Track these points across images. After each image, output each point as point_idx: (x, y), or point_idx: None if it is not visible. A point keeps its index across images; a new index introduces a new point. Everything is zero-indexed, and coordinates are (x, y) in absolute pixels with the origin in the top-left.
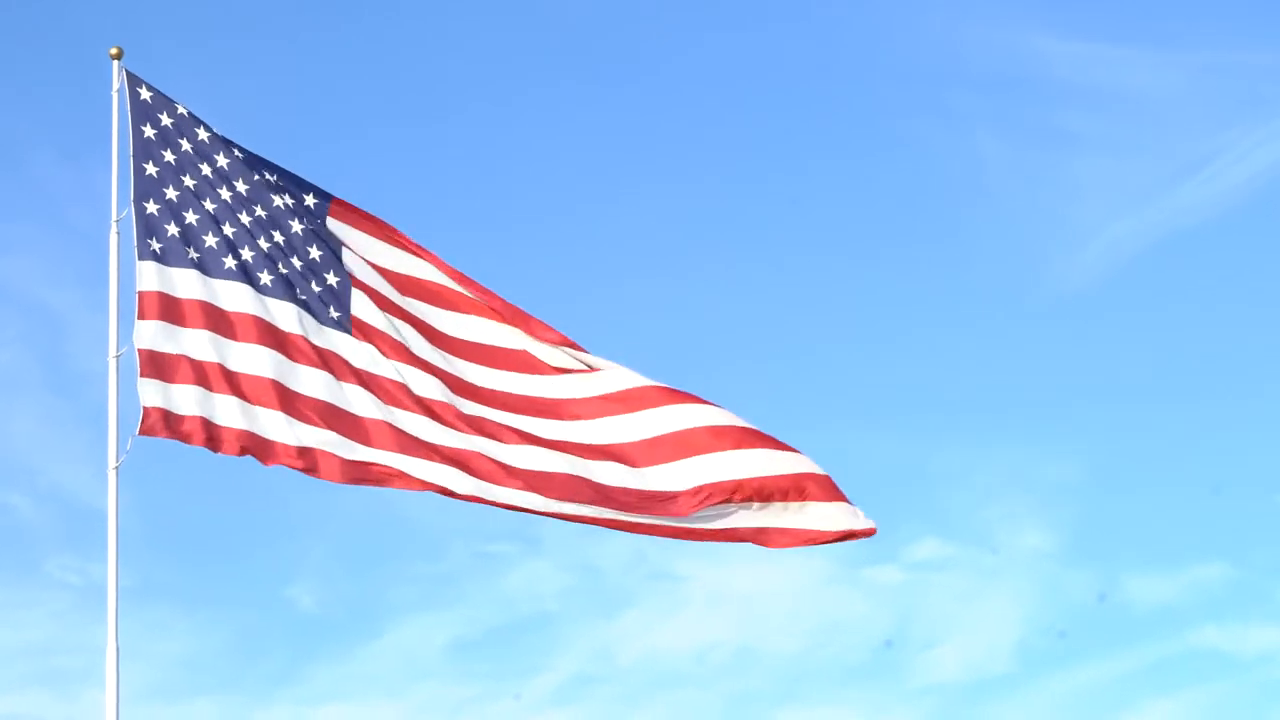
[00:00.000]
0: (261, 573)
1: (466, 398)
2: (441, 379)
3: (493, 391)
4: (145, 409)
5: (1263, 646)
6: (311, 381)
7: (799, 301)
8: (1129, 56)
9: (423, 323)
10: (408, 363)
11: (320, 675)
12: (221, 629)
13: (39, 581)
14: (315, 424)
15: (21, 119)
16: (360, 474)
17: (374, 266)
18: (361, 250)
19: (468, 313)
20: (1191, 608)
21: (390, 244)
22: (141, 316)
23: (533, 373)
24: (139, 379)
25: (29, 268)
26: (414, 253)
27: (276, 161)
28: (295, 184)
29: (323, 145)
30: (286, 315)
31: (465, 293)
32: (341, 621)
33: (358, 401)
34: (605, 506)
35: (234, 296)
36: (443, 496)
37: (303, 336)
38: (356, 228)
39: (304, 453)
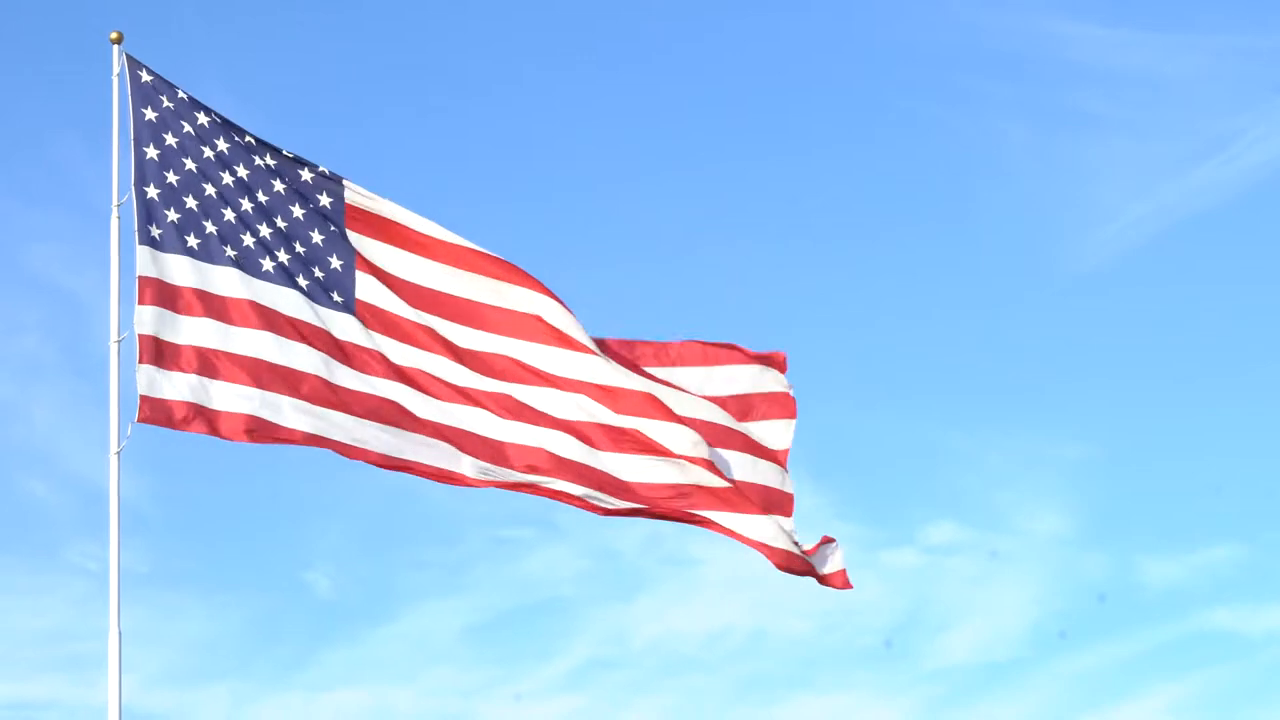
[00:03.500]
0: (278, 557)
1: (477, 372)
2: (450, 359)
3: (504, 367)
4: (143, 396)
5: (1273, 627)
6: (311, 364)
7: (816, 282)
8: (1147, 40)
9: (436, 319)
10: (416, 344)
11: (335, 659)
12: (238, 613)
13: (58, 567)
14: (315, 403)
15: (45, 104)
16: (358, 454)
17: (386, 250)
18: (373, 234)
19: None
20: (1202, 589)
21: (400, 240)
22: (142, 302)
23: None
24: (138, 365)
25: (53, 253)
26: (425, 244)
27: (280, 144)
28: (301, 167)
29: (331, 128)
30: (287, 301)
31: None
32: (357, 606)
33: (357, 383)
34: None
35: (233, 283)
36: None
37: (303, 321)
38: (370, 211)
39: (301, 435)
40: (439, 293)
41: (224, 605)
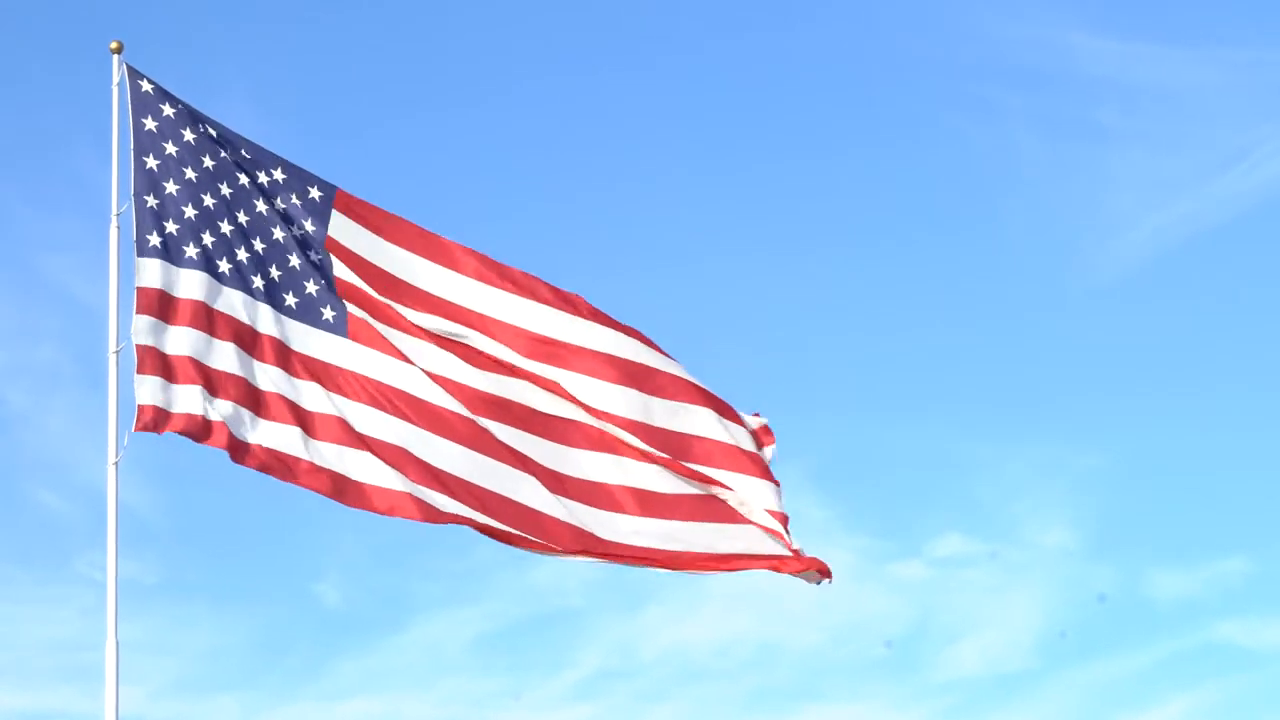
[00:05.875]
0: (288, 568)
1: (471, 406)
2: (441, 385)
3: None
4: (140, 406)
5: None
6: (296, 387)
7: (832, 291)
8: (1164, 53)
9: (421, 329)
10: (405, 360)
11: (345, 670)
12: (247, 624)
13: (68, 578)
14: (290, 424)
15: (63, 114)
16: (333, 485)
17: (375, 267)
18: (364, 249)
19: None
20: (1212, 602)
21: (397, 243)
22: (140, 312)
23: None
24: (136, 375)
25: (70, 264)
26: (420, 251)
27: (280, 152)
28: (298, 178)
29: (342, 134)
30: (275, 320)
31: (470, 304)
32: (367, 616)
33: (339, 408)
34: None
35: (227, 299)
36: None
37: (289, 341)
38: (361, 224)
39: (284, 458)
40: (432, 295)
41: (233, 616)
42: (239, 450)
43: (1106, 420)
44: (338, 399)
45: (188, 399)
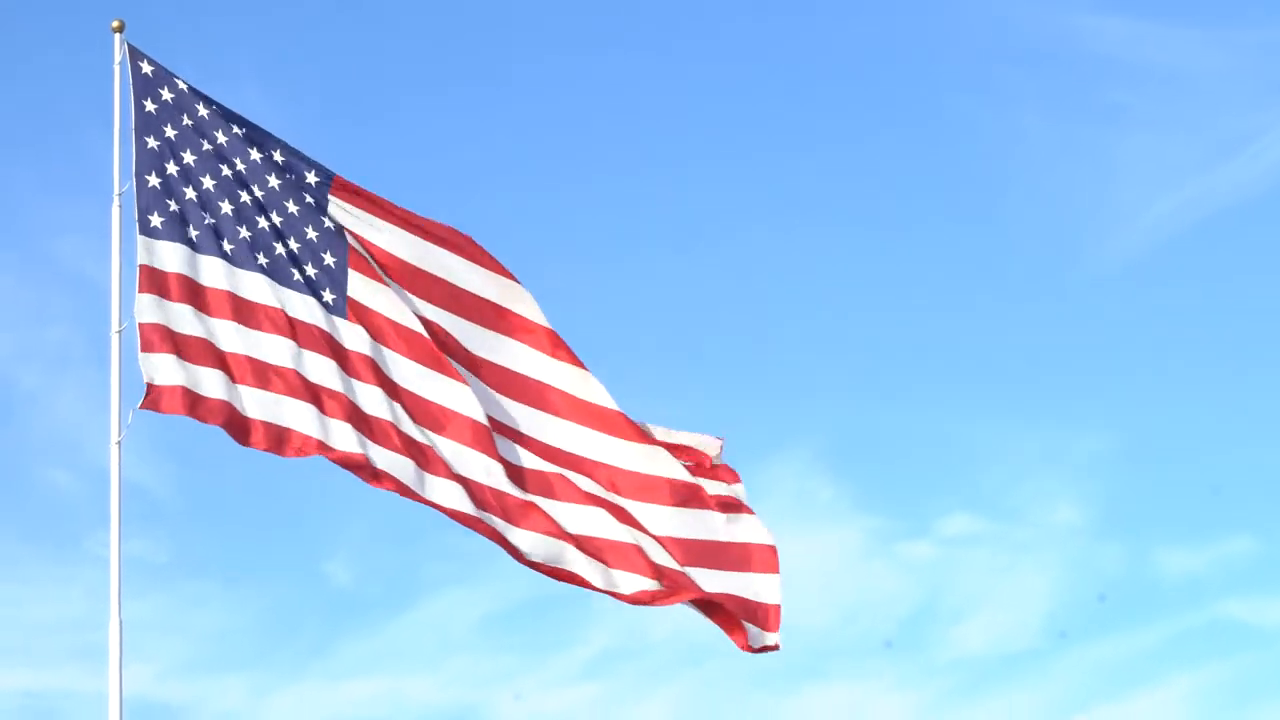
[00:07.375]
0: (299, 547)
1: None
2: (432, 368)
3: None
4: (148, 384)
5: None
6: (299, 362)
7: (839, 273)
8: (1174, 33)
9: (423, 318)
10: (400, 351)
11: (353, 649)
12: (257, 603)
13: (78, 557)
14: (299, 399)
15: (73, 95)
16: (344, 460)
17: (375, 249)
18: (363, 231)
19: (470, 318)
20: (1218, 580)
21: (394, 223)
22: (142, 291)
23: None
24: (139, 354)
25: (80, 245)
26: (420, 233)
27: (288, 134)
28: (296, 160)
29: (334, 116)
30: (277, 296)
31: (467, 287)
32: (376, 595)
33: (344, 385)
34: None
35: (224, 276)
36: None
37: (294, 318)
38: (359, 207)
39: (291, 435)
40: (431, 275)
41: (243, 595)
42: (240, 428)
43: (1113, 402)
44: (337, 373)
45: (192, 377)
